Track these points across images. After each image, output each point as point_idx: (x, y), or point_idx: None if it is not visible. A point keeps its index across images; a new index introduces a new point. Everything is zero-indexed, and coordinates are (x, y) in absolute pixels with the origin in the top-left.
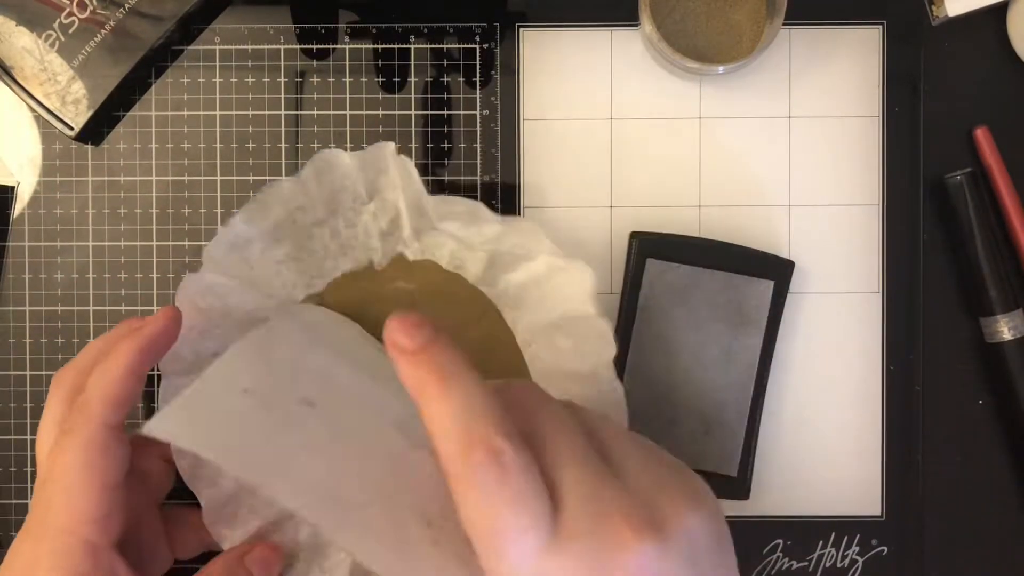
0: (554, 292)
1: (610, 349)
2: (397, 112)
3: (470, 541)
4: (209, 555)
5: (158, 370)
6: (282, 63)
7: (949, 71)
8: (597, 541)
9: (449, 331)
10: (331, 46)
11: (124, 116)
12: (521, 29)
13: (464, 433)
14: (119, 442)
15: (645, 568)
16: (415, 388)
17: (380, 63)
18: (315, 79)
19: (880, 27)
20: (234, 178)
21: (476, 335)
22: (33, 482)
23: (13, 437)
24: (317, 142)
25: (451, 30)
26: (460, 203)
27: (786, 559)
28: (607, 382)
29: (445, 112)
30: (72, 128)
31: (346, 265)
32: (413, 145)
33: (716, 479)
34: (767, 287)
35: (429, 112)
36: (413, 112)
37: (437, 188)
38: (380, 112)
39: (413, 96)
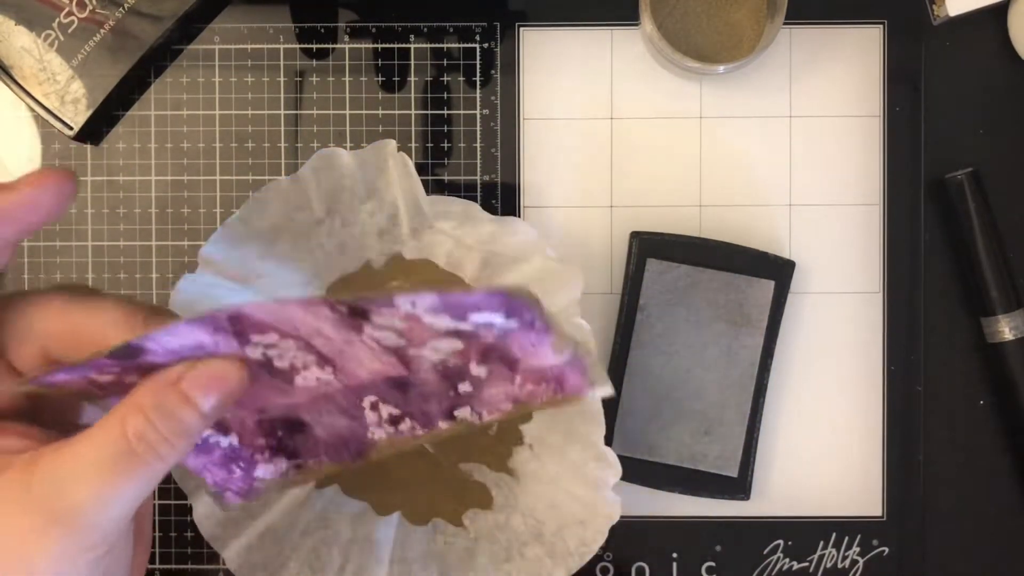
0: (546, 294)
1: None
2: (397, 112)
3: None
4: None
5: None
6: (282, 63)
7: (950, 71)
8: None
9: None
10: (331, 46)
11: (123, 116)
12: (521, 29)
13: None
14: None
15: None
16: None
17: (380, 62)
18: (315, 79)
19: (881, 26)
20: (234, 178)
21: None
22: None
23: None
24: (317, 142)
25: (451, 29)
26: (455, 203)
27: (786, 559)
28: None
29: (445, 112)
30: (71, 128)
31: (344, 265)
32: (413, 145)
33: (716, 479)
34: (768, 287)
35: (429, 112)
36: (413, 112)
37: (437, 188)
38: (380, 112)
39: (413, 96)
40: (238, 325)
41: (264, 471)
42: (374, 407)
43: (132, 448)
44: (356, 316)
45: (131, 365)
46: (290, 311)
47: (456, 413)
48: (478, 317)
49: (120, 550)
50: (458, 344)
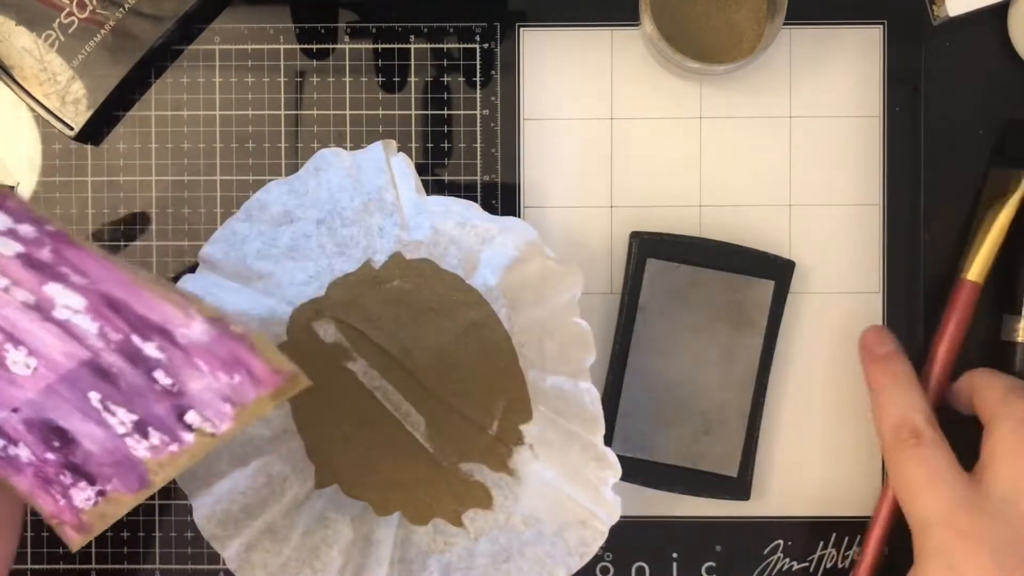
0: (546, 294)
1: (590, 354)
2: (397, 112)
3: None
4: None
5: None
6: (282, 63)
7: (950, 71)
8: (1013, 506)
9: (453, 332)
10: (331, 46)
11: (124, 116)
12: (521, 29)
13: (899, 418)
14: None
15: None
16: (873, 382)
17: (380, 63)
18: (315, 79)
19: (881, 27)
20: (234, 178)
21: (473, 334)
22: None
23: None
24: (317, 142)
25: (451, 30)
26: (455, 203)
27: (787, 560)
28: (585, 387)
29: (445, 112)
30: (72, 128)
31: (344, 264)
32: (413, 145)
33: (716, 479)
34: (767, 287)
35: (429, 112)
36: (413, 112)
37: (437, 188)
38: (380, 112)
39: (413, 96)
40: None
41: (78, 498)
42: (106, 407)
43: None
44: None
45: None
46: None
47: (188, 420)
48: None
49: None
50: (78, 298)
